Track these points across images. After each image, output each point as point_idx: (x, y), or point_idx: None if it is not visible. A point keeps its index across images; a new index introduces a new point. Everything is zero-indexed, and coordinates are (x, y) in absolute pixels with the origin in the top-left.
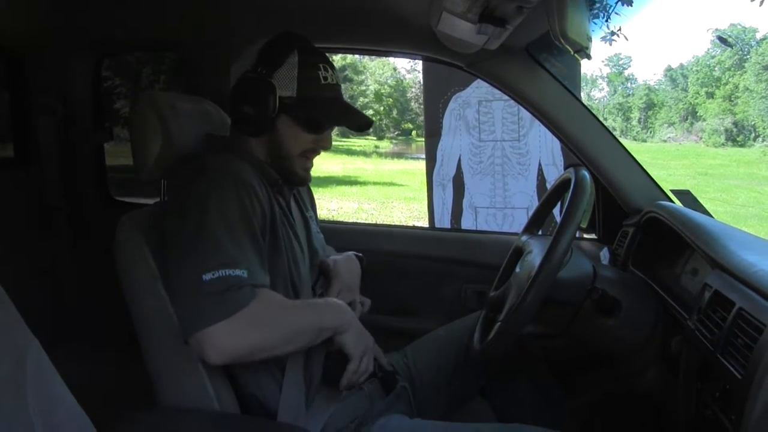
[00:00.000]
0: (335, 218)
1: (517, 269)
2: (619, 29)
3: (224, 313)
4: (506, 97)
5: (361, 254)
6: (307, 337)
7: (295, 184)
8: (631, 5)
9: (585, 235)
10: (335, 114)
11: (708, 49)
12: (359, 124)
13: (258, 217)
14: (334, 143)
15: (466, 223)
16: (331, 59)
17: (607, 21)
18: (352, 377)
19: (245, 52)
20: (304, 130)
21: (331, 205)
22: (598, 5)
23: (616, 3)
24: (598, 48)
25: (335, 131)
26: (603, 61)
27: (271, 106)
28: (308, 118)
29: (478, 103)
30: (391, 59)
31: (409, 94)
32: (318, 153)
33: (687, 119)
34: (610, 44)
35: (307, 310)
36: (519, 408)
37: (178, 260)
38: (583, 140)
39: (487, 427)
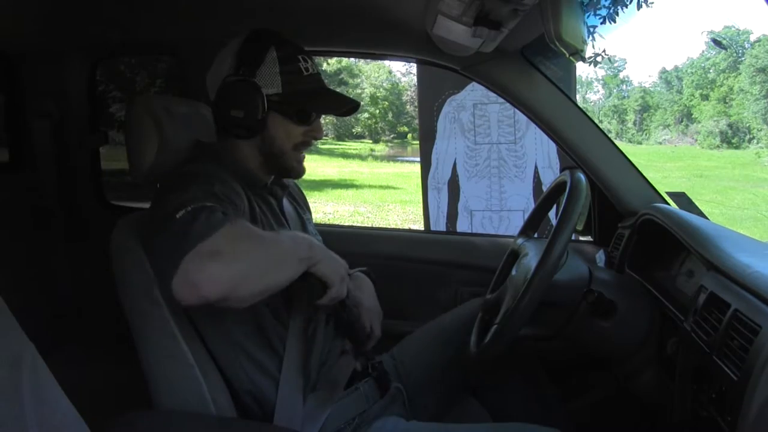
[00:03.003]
0: (331, 221)
1: (513, 272)
2: (604, 51)
3: (199, 237)
4: (502, 100)
5: (366, 268)
6: (285, 269)
7: (292, 176)
8: (615, 21)
9: (581, 238)
10: (324, 103)
11: (702, 51)
12: (349, 109)
13: (231, 201)
14: (329, 147)
15: (462, 226)
16: (326, 62)
17: (592, 41)
18: (330, 302)
19: (216, 58)
20: (296, 124)
21: (327, 209)
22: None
23: (602, 22)
24: (582, 67)
25: (330, 134)
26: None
27: (260, 106)
28: (298, 111)
29: (473, 106)
30: (387, 62)
31: (404, 98)
32: (310, 144)
33: (682, 121)
34: (595, 66)
35: (280, 240)
36: (513, 409)
37: (150, 226)
38: (579, 143)
39: (483, 428)
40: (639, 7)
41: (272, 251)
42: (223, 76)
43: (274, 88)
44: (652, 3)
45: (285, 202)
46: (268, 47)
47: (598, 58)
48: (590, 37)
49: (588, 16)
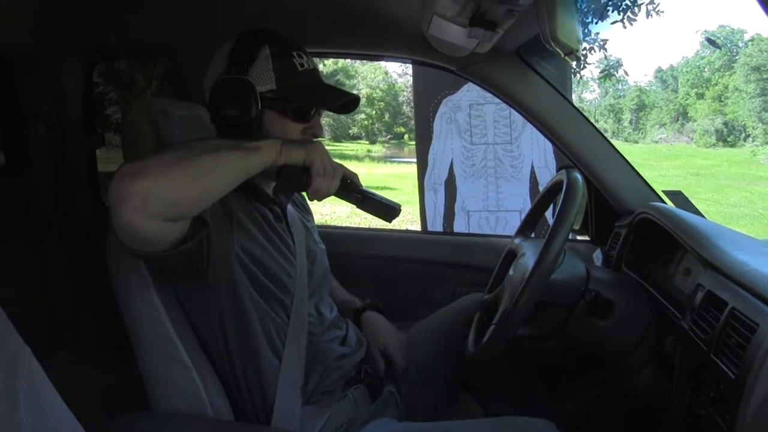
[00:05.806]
0: (328, 223)
1: (511, 272)
2: (619, 61)
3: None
4: (498, 100)
5: (369, 301)
6: (223, 169)
7: None
8: (632, 25)
9: (578, 237)
10: (321, 97)
11: (697, 51)
12: (348, 103)
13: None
14: (326, 148)
15: (459, 226)
16: (323, 63)
17: (604, 52)
18: (323, 184)
19: (212, 61)
20: (293, 121)
21: (324, 210)
22: (590, 37)
23: (623, 19)
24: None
25: (327, 136)
26: (593, 64)
27: (254, 103)
28: (295, 108)
29: (470, 106)
30: (383, 63)
31: (401, 98)
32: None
33: (678, 120)
34: (608, 78)
35: (218, 144)
36: (506, 404)
37: None
38: (575, 142)
39: (475, 423)
40: (648, 15)
41: (205, 157)
42: (216, 77)
43: (268, 85)
44: (662, 12)
45: (290, 209)
46: (261, 45)
47: (612, 71)
48: (602, 50)
49: (598, 26)
